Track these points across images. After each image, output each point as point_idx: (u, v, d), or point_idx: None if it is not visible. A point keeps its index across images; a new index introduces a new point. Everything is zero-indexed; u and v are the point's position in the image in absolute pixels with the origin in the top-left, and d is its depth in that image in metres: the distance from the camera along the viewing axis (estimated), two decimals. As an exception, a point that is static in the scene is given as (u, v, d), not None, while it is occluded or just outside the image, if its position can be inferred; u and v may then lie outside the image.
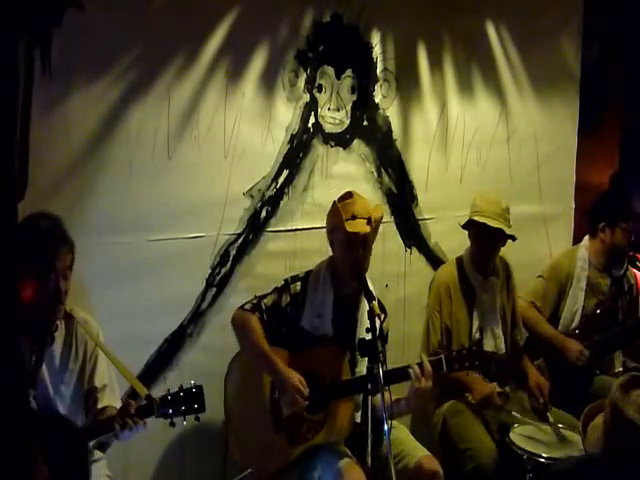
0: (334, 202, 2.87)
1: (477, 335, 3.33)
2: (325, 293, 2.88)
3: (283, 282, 2.94)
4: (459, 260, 3.44)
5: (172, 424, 2.54)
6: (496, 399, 3.23)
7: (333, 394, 2.80)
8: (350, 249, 2.81)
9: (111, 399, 2.57)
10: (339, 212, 2.82)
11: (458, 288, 3.38)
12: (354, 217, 2.80)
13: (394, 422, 2.88)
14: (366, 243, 2.84)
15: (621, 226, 3.66)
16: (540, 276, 3.80)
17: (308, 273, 2.96)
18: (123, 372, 2.52)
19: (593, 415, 2.10)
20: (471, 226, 3.32)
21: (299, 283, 2.92)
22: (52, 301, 2.40)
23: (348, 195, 2.91)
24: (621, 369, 3.72)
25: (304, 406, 2.74)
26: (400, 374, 2.73)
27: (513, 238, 3.29)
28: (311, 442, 2.79)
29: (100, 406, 2.53)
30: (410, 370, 2.71)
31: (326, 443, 2.78)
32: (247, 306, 2.88)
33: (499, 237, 3.28)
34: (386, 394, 2.45)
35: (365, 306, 2.86)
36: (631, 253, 3.74)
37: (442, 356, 2.82)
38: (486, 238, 3.29)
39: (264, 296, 2.90)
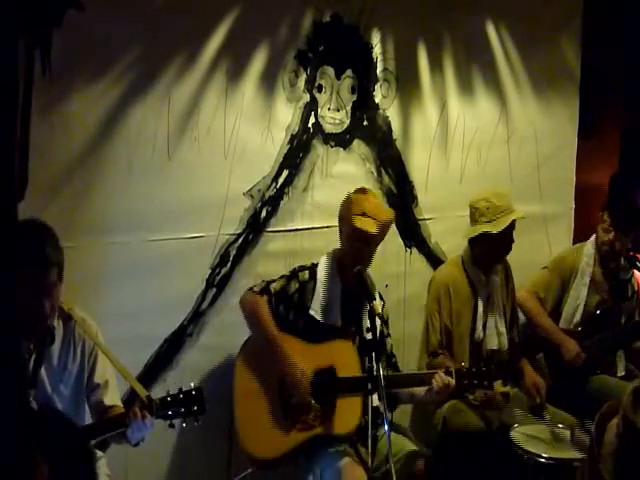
0: (348, 194, 2.92)
1: (481, 334, 3.33)
2: (333, 282, 2.92)
3: (291, 270, 2.98)
4: (460, 259, 3.44)
5: (171, 425, 2.53)
6: (498, 400, 3.24)
7: (338, 388, 2.81)
8: (354, 242, 2.86)
9: (114, 398, 2.56)
10: (350, 205, 2.86)
11: (459, 287, 3.37)
12: (364, 214, 2.83)
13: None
14: (370, 241, 2.86)
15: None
16: (545, 267, 3.80)
17: (315, 264, 3.00)
18: (123, 373, 2.51)
19: (608, 416, 2.01)
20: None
21: (307, 272, 2.97)
22: (35, 321, 2.35)
23: (362, 190, 2.95)
24: (623, 373, 3.70)
25: (307, 400, 2.76)
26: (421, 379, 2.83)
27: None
28: (317, 431, 2.79)
29: (107, 403, 2.52)
30: (434, 380, 2.78)
31: (330, 439, 2.78)
32: (256, 288, 2.93)
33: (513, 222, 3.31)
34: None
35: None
36: (631, 253, 3.73)
37: (453, 369, 2.83)
38: (510, 228, 3.29)
39: (272, 281, 2.95)
